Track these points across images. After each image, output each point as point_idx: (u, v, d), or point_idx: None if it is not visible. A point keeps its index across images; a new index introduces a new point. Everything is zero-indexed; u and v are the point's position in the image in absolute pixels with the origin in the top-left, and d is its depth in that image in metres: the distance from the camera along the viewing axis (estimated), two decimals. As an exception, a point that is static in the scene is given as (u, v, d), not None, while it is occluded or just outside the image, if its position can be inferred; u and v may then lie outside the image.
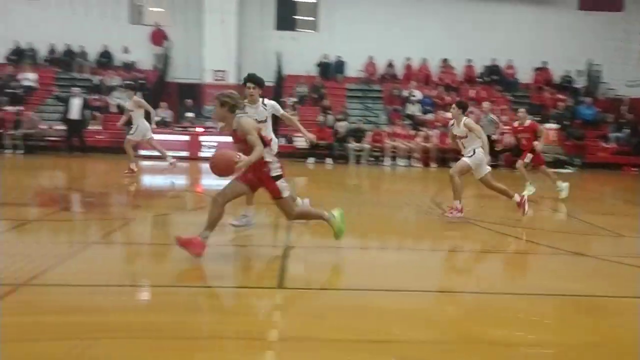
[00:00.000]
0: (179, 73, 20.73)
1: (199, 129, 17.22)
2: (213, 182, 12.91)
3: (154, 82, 19.77)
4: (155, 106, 15.13)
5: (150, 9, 21.96)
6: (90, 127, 17.46)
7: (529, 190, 9.48)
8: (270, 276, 4.80)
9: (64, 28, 19.90)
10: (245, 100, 6.24)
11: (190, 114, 18.37)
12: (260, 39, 20.96)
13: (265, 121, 6.45)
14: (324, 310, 4.00)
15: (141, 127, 11.71)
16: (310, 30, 22.20)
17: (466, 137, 7.57)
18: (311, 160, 16.91)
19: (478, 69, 21.75)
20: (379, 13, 21.25)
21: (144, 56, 20.66)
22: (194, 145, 16.72)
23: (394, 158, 17.22)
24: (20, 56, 20.07)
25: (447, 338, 3.60)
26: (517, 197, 7.76)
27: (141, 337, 3.39)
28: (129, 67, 20.43)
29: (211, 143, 16.58)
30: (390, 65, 21.39)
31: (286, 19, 21.97)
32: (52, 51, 20.39)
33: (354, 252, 6.01)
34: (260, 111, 6.51)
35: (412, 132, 17.63)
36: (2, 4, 19.87)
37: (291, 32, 21.81)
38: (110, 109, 18.33)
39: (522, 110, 10.54)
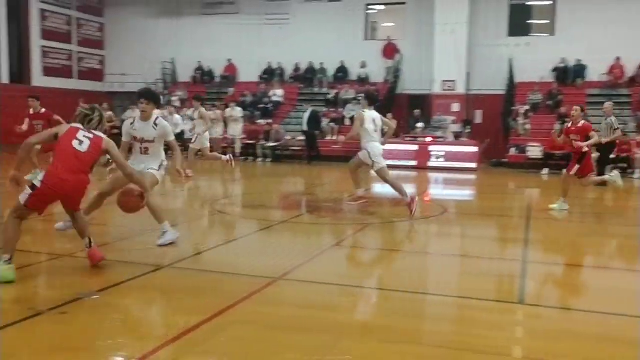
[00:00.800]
0: (409, 84, 21.24)
1: (428, 139, 17.46)
2: (440, 192, 13.20)
3: (385, 94, 20.59)
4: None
5: (383, 24, 22.96)
6: (327, 137, 18.91)
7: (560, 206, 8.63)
8: (508, 290, 4.77)
9: (307, 48, 21.84)
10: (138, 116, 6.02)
11: (419, 124, 18.71)
12: (491, 47, 20.44)
13: (152, 141, 5.96)
14: (562, 332, 3.86)
15: (202, 136, 12.39)
16: (545, 34, 21.00)
17: None
18: (545, 171, 15.99)
19: None
20: (623, 11, 19.20)
21: (376, 69, 21.63)
22: (423, 155, 17.01)
23: (644, 170, 15.39)
24: (271, 75, 22.59)
25: None
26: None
27: (384, 340, 3.61)
28: (363, 80, 21.59)
29: (439, 153, 16.77)
30: (641, 67, 19.18)
31: (520, 24, 21.09)
32: (296, 69, 22.52)
33: (596, 273, 5.61)
34: (149, 130, 5.96)
35: (668, 142, 15.55)
36: (259, 33, 22.63)
37: (525, 37, 20.88)
38: (345, 121, 19.59)
39: (576, 109, 8.79)
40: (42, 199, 4.67)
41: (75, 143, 4.80)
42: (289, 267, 5.20)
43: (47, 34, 22.21)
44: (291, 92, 21.88)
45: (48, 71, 22.30)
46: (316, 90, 21.83)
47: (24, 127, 10.63)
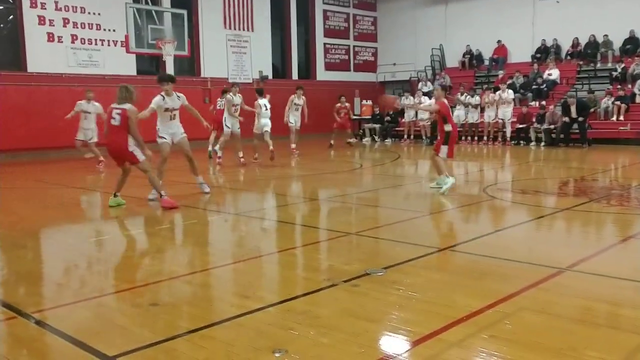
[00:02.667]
0: None
1: None
2: None
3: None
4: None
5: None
6: (612, 119, 17.01)
7: None
8: None
9: (587, 20, 19.84)
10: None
11: None
12: None
13: (177, 109, 8.36)
14: None
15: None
16: None
17: None
18: None
19: None
20: None
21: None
22: None
23: None
24: (545, 53, 21.12)
25: None
26: None
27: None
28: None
29: None
30: None
31: None
32: (575, 45, 20.65)
33: None
34: (175, 101, 8.29)
35: None
36: (532, 9, 21.37)
37: None
38: (637, 98, 17.33)
39: None
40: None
41: (111, 121, 7.32)
42: (577, 258, 4.82)
43: (328, 32, 24.26)
44: (568, 70, 20.15)
45: (329, 66, 24.37)
46: (599, 66, 19.72)
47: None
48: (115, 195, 7.72)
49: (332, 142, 17.05)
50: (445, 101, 8.71)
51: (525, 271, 4.50)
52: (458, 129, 12.19)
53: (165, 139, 8.27)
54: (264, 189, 10.16)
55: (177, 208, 7.43)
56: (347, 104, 17.90)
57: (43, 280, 4.75)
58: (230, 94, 12.69)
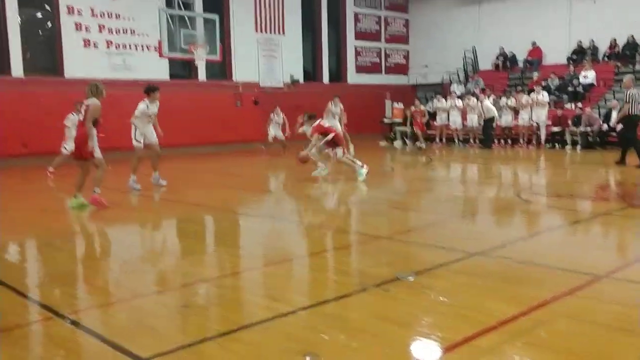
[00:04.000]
0: None
1: None
2: None
3: None
4: None
5: None
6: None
7: None
8: None
9: (626, 20, 19.37)
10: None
11: None
12: None
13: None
14: None
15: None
16: None
17: None
18: None
19: None
20: None
21: None
22: None
23: None
24: (581, 55, 20.68)
25: None
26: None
27: None
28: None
29: None
30: None
31: None
32: (612, 46, 20.17)
33: None
34: (156, 107, 9.60)
35: None
36: (568, 9, 20.97)
37: None
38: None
39: None
40: None
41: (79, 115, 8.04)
42: (615, 265, 4.70)
43: (359, 35, 24.20)
44: (605, 71, 19.68)
45: (360, 69, 24.32)
46: (638, 67, 19.21)
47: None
48: (75, 197, 7.77)
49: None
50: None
51: (560, 277, 4.40)
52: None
53: (140, 142, 9.49)
54: (293, 192, 10.18)
55: (105, 208, 7.61)
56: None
57: (78, 281, 4.84)
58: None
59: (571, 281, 4.23)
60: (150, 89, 9.50)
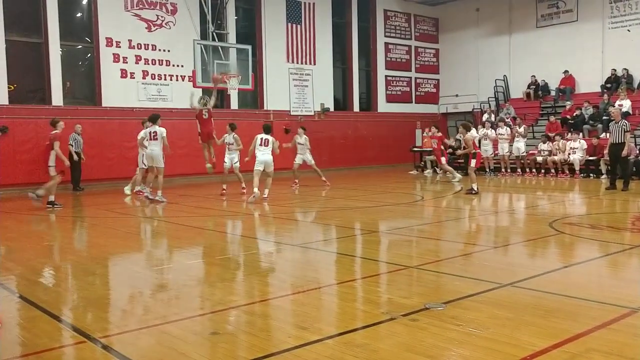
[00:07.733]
0: None
1: None
2: None
3: None
4: None
5: None
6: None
7: None
8: None
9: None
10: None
11: None
12: None
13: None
14: None
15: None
16: None
17: None
18: None
19: None
20: None
21: None
22: None
23: None
24: (616, 83, 20.41)
25: None
26: None
27: None
28: None
29: None
30: None
31: None
32: (646, 74, 19.87)
33: None
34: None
35: None
36: (601, 38, 20.81)
37: None
38: None
39: None
40: None
41: None
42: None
43: (389, 65, 24.40)
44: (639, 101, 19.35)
45: (390, 98, 24.44)
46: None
47: None
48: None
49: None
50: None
51: (594, 310, 4.30)
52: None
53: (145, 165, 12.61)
54: (323, 220, 10.20)
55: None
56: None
57: (110, 306, 4.92)
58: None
59: (605, 314, 4.13)
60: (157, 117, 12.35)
